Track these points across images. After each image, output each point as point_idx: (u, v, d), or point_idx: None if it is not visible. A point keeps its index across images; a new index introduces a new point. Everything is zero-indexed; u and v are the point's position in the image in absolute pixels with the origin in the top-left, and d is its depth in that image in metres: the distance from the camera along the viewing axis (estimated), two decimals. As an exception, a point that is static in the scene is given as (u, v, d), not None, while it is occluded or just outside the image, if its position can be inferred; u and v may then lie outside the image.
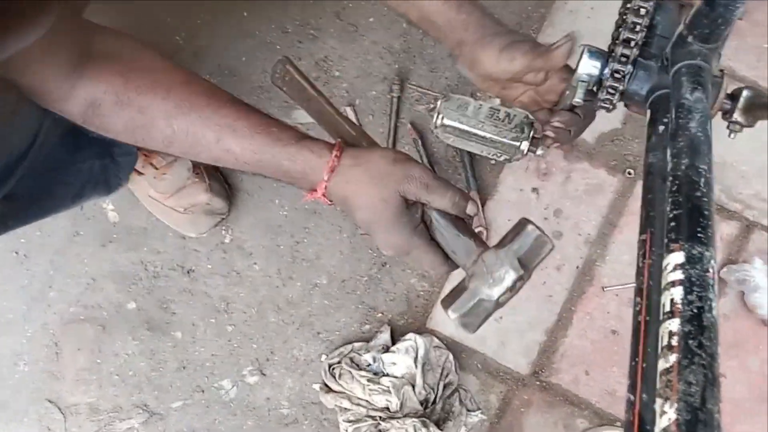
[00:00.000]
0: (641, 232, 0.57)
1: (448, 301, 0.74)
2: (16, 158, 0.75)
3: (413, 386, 1.16)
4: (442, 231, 0.75)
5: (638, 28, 0.68)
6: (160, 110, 0.72)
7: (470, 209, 0.74)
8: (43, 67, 0.68)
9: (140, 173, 1.18)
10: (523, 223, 0.75)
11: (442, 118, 0.81)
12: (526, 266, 0.74)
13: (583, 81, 0.71)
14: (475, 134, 0.81)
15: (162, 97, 0.72)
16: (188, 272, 1.28)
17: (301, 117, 1.29)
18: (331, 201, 0.76)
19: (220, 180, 1.26)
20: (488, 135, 0.80)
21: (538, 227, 0.75)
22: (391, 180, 0.71)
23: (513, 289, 0.74)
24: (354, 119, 1.27)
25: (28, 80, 0.69)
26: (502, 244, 0.75)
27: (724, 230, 1.22)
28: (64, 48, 0.69)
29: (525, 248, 0.74)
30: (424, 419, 1.13)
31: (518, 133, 0.80)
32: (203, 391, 1.27)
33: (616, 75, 0.70)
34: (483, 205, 1.23)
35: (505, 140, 0.80)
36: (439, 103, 0.80)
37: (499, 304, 0.74)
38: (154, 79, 0.73)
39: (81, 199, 0.97)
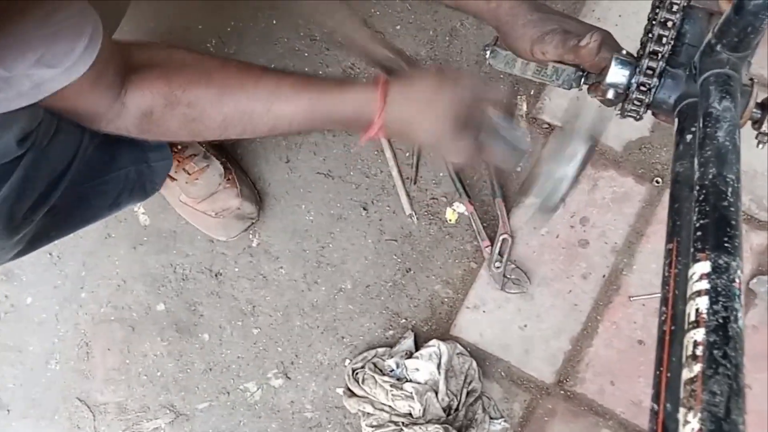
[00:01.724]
0: (667, 241, 0.57)
1: (525, 190, 0.78)
2: (60, 173, 0.78)
3: (436, 393, 1.16)
4: (500, 126, 0.79)
5: (665, 40, 0.68)
6: (206, 99, 0.76)
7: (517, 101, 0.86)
8: (93, 95, 0.71)
9: (173, 179, 1.20)
10: (584, 94, 0.80)
11: (489, 66, 0.84)
12: (592, 136, 0.76)
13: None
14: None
15: (204, 86, 0.76)
16: (216, 275, 1.30)
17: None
18: (387, 135, 0.80)
19: (250, 185, 1.28)
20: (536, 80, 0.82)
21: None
22: (443, 97, 0.74)
23: (585, 162, 0.76)
24: (380, 126, 1.28)
25: (80, 109, 0.72)
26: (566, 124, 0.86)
27: (753, 240, 1.20)
28: (110, 72, 0.72)
29: (588, 120, 0.77)
30: (446, 426, 1.13)
31: (567, 86, 0.80)
32: (228, 393, 1.28)
33: (642, 88, 0.70)
34: (508, 213, 1.22)
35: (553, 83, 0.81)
36: (487, 55, 0.81)
37: (576, 180, 0.77)
38: (192, 72, 0.77)
39: (119, 206, 1.00)
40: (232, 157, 1.29)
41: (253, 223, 1.28)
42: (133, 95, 0.74)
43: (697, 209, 0.51)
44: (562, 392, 1.21)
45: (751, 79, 0.70)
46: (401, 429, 1.14)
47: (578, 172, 0.76)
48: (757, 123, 0.71)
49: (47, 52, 0.61)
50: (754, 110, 0.70)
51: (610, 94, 0.72)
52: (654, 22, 0.71)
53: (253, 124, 0.77)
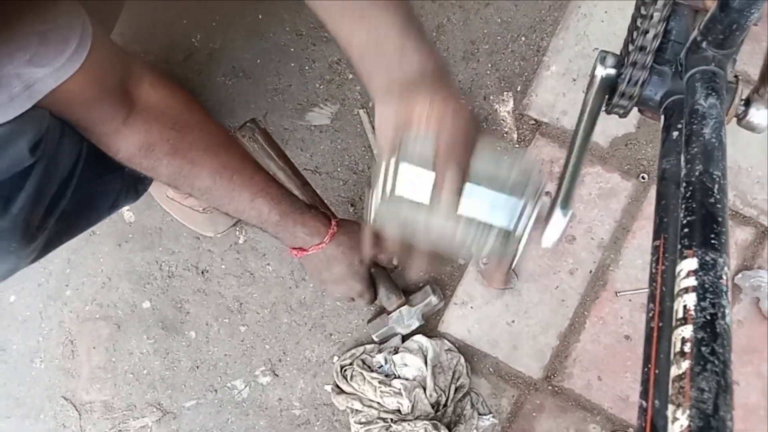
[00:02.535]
0: (654, 238, 0.57)
1: (373, 328, 1.21)
2: (67, 177, 0.78)
3: (425, 389, 1.16)
4: (379, 280, 1.17)
5: (652, 34, 0.68)
6: (208, 167, 0.84)
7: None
8: (94, 104, 0.73)
9: None
10: (427, 290, 1.20)
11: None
12: (426, 319, 1.21)
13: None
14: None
15: (211, 156, 0.84)
16: (202, 272, 1.29)
17: (314, 119, 1.30)
18: (301, 258, 1.01)
19: None
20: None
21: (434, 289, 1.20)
22: (358, 249, 1.00)
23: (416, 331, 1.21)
24: (367, 122, 1.28)
25: (81, 118, 0.74)
26: (411, 302, 1.19)
27: (738, 236, 1.21)
28: (112, 82, 0.75)
29: (427, 309, 1.20)
30: (435, 422, 1.13)
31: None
32: (216, 391, 1.28)
33: (630, 81, 0.70)
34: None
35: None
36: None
37: (404, 337, 1.22)
38: (206, 139, 0.85)
39: (116, 207, 1.01)
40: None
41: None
42: (140, 126, 0.78)
43: (683, 206, 0.51)
44: (549, 387, 1.22)
45: (736, 76, 0.70)
46: (390, 425, 1.14)
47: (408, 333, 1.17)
48: (742, 119, 0.72)
49: (38, 53, 0.62)
50: (740, 107, 0.70)
51: (598, 82, 0.71)
52: (641, 17, 0.71)
53: (230, 203, 0.88)
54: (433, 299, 1.19)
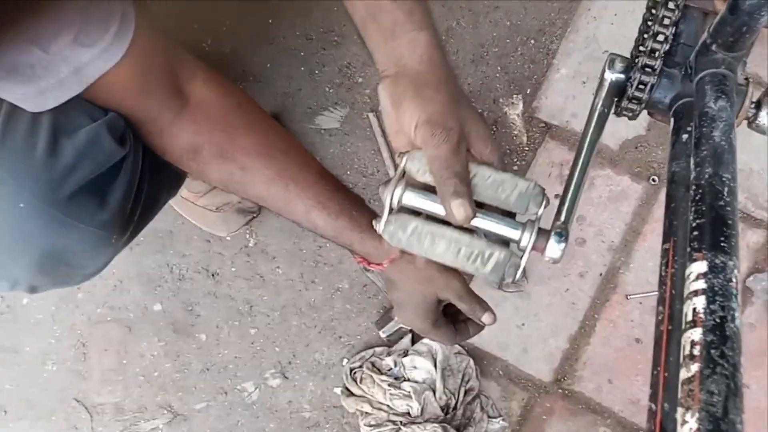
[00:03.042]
0: (664, 241, 0.57)
1: (380, 324, 1.20)
2: (147, 165, 0.78)
3: (434, 392, 1.16)
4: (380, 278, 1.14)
5: (662, 38, 0.68)
6: (261, 174, 0.76)
7: (486, 319, 0.83)
8: (141, 96, 0.70)
9: None
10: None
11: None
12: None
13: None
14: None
15: (265, 163, 0.77)
16: (213, 275, 1.30)
17: (323, 122, 1.30)
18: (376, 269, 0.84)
19: None
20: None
21: None
22: (433, 284, 0.78)
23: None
24: (377, 126, 1.28)
25: (129, 111, 0.71)
26: None
27: (750, 238, 1.21)
28: (159, 72, 0.71)
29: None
30: (444, 425, 1.13)
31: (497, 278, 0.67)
32: (226, 393, 1.28)
33: (640, 86, 0.70)
34: (505, 212, 1.23)
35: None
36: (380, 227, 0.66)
37: (410, 331, 1.21)
38: (260, 143, 0.77)
39: (170, 195, 0.99)
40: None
41: (254, 217, 1.27)
42: (188, 126, 0.74)
43: (693, 209, 0.51)
44: (560, 391, 1.22)
45: (747, 78, 0.70)
46: (399, 428, 1.14)
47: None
48: (752, 122, 0.72)
49: (82, 30, 0.60)
50: (750, 109, 0.70)
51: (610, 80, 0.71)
52: (652, 20, 0.71)
53: (286, 213, 0.80)
54: None
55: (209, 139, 0.74)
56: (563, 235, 0.61)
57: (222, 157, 0.75)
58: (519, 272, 0.60)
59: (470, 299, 0.80)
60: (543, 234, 0.61)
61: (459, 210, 0.58)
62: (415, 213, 0.62)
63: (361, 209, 0.80)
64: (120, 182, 0.72)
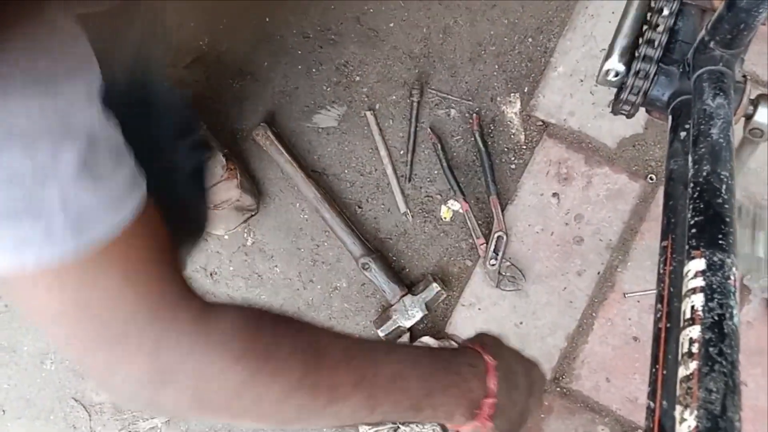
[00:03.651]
0: (662, 239, 0.57)
1: (378, 323, 1.21)
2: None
3: (432, 390, 1.16)
4: (381, 273, 1.21)
5: (661, 28, 0.68)
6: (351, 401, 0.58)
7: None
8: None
9: None
10: (429, 279, 1.21)
11: None
12: (429, 308, 1.21)
13: None
14: None
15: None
16: (211, 274, 1.30)
17: (321, 121, 1.30)
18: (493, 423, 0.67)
19: (250, 178, 1.28)
20: None
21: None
22: (534, 381, 0.71)
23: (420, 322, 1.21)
24: (374, 124, 1.28)
25: None
26: (413, 292, 1.20)
27: (748, 236, 1.21)
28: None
29: (429, 297, 1.20)
30: (443, 424, 1.13)
31: None
32: (224, 393, 1.28)
33: (640, 75, 0.70)
34: (503, 210, 1.23)
35: None
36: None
37: (408, 330, 1.22)
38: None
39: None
40: (232, 149, 1.28)
41: (252, 215, 1.27)
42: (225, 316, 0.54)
43: (691, 207, 0.51)
44: (558, 389, 1.22)
45: (744, 76, 0.70)
46: (398, 427, 1.14)
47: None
48: (749, 119, 0.72)
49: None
50: (748, 107, 0.70)
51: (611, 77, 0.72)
52: (650, 12, 0.71)
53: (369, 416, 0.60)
54: (435, 286, 1.19)
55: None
56: None
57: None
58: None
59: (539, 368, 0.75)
60: None
61: None
62: None
63: (422, 370, 0.64)
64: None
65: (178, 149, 0.77)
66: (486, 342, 0.71)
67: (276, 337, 0.55)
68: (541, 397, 0.74)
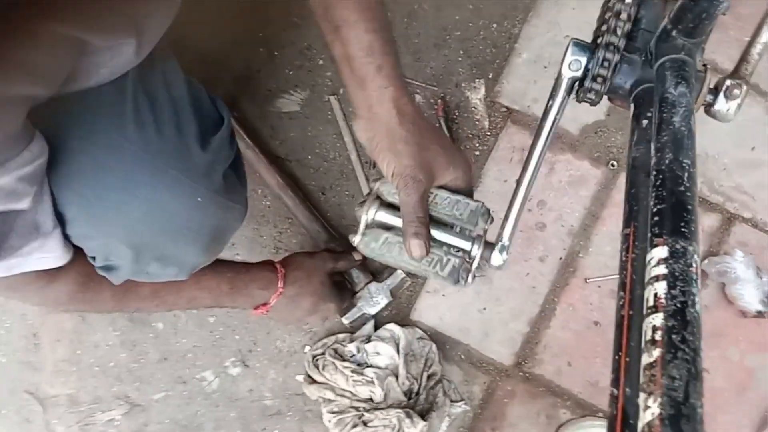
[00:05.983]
0: (625, 226, 0.57)
1: (343, 311, 1.19)
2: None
3: (397, 377, 1.16)
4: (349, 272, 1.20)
5: (624, 16, 0.68)
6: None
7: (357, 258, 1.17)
8: None
9: None
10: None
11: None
12: (394, 295, 1.22)
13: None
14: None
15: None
16: (170, 263, 1.27)
17: (284, 106, 1.28)
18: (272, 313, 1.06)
19: None
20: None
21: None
22: (322, 266, 1.11)
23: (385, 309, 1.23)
24: (338, 109, 1.26)
25: None
26: (378, 279, 1.20)
27: (705, 222, 1.23)
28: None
29: (394, 284, 1.21)
30: (408, 410, 1.13)
31: (453, 280, 0.76)
32: (185, 383, 1.26)
33: (604, 63, 0.70)
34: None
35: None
36: (356, 240, 0.75)
37: (373, 317, 1.22)
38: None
39: None
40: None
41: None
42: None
43: (654, 194, 0.51)
44: (520, 374, 1.23)
45: (705, 65, 0.71)
46: (362, 414, 1.14)
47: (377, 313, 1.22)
48: (710, 108, 0.72)
49: None
50: (708, 95, 0.71)
51: (568, 77, 0.72)
52: (610, 5, 0.71)
53: (180, 299, 0.94)
54: (399, 273, 1.20)
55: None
56: (504, 248, 0.75)
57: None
58: (470, 276, 0.74)
59: (344, 256, 1.15)
60: (489, 246, 0.75)
61: (416, 248, 0.71)
62: (386, 228, 0.75)
63: (229, 262, 1.00)
64: (239, 163, 0.86)
65: (213, 143, 0.80)
66: (289, 263, 1.08)
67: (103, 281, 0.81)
68: (318, 317, 1.13)
